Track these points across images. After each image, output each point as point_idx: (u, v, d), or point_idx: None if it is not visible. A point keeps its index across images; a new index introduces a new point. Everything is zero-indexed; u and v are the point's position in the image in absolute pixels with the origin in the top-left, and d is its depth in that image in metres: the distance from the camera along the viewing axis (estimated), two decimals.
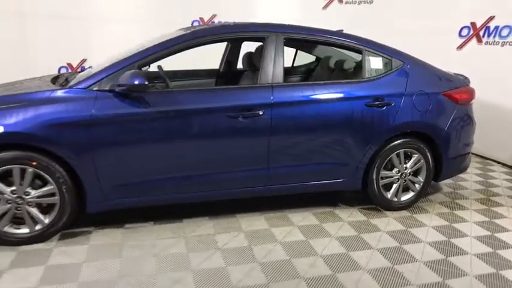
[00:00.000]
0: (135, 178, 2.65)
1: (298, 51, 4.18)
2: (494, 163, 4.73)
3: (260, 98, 2.77)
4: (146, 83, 2.44)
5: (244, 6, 6.80)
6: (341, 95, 2.95)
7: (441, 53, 4.66)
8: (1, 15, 5.48)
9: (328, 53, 3.74)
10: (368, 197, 3.26)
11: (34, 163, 2.43)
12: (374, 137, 3.04)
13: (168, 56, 2.72)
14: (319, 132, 2.92)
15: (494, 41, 4.66)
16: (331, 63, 3.59)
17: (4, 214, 2.48)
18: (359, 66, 3.14)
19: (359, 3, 6.10)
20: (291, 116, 2.84)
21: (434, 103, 3.18)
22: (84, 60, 6.21)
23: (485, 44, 4.77)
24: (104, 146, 2.53)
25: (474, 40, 4.88)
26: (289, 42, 3.06)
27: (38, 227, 2.56)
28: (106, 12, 6.16)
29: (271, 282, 2.30)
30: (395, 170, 3.20)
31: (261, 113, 2.74)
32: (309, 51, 4.02)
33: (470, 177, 4.18)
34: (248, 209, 3.17)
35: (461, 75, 3.54)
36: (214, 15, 6.86)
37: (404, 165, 3.21)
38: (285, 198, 3.31)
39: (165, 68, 3.24)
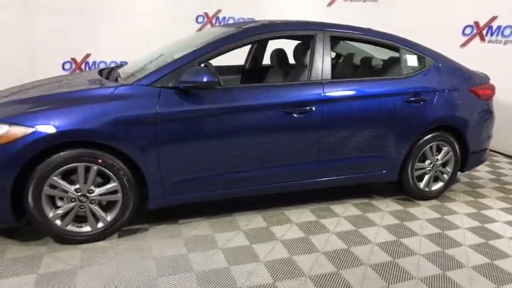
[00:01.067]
0: (195, 173, 2.69)
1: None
2: (497, 154, 5.06)
3: (313, 94, 2.86)
4: (215, 79, 2.48)
5: (248, 1, 6.83)
6: (383, 91, 3.09)
7: (444, 51, 4.88)
8: (6, 9, 5.28)
9: (350, 50, 3.87)
10: (402, 188, 3.43)
11: (99, 161, 2.42)
12: (412, 131, 3.21)
13: (223, 53, 2.76)
14: (364, 126, 3.06)
15: (497, 40, 4.96)
16: (356, 60, 3.73)
17: (67, 213, 2.47)
18: (397, 63, 3.29)
19: (364, 1, 6.29)
20: (340, 111, 2.96)
21: (463, 99, 3.38)
22: (88, 55, 6.08)
23: (488, 42, 5.06)
24: (167, 143, 2.55)
25: (477, 38, 5.16)
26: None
27: (100, 225, 2.55)
28: (110, 7, 6.04)
29: (340, 269, 2.42)
30: (428, 161, 3.39)
31: (313, 108, 2.84)
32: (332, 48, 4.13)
33: (481, 168, 4.46)
34: (291, 202, 3.26)
35: (481, 73, 3.77)
36: (219, 11, 6.87)
37: (436, 157, 3.40)
38: (323, 191, 3.42)
39: None
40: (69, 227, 2.50)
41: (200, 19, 6.87)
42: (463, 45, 5.27)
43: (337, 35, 3.09)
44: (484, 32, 5.09)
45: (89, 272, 2.26)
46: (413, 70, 3.27)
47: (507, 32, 4.86)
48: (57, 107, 2.37)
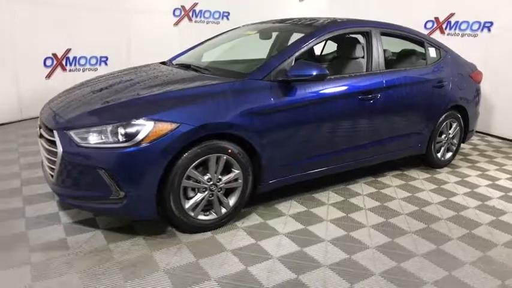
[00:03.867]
0: (297, 157, 2.99)
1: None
2: None
3: (378, 83, 3.35)
4: (327, 72, 2.80)
5: None
6: (421, 79, 3.71)
7: None
8: None
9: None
10: (426, 159, 4.12)
11: (229, 151, 2.60)
12: (437, 110, 3.89)
13: (309, 48, 3.09)
14: (410, 109, 3.65)
15: (455, 33, 5.96)
16: None
17: (198, 203, 2.60)
18: (422, 55, 3.93)
19: None
20: (394, 97, 3.48)
21: (467, 83, 4.18)
22: (68, 50, 5.74)
23: (447, 35, 6.05)
24: (279, 131, 2.81)
25: (438, 32, 6.13)
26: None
27: (223, 211, 2.72)
28: (88, 1, 5.76)
29: (429, 224, 2.97)
30: (443, 136, 4.13)
31: (379, 95, 3.33)
32: None
33: None
34: (345, 179, 3.72)
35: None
36: (195, 4, 6.94)
37: (448, 132, 4.15)
38: (362, 167, 3.91)
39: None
40: (200, 216, 2.63)
41: (177, 12, 6.89)
42: None
43: (384, 31, 3.60)
44: (444, 26, 6.07)
45: (239, 254, 2.46)
46: (434, 61, 3.94)
47: (463, 26, 5.88)
48: (191, 103, 2.50)
